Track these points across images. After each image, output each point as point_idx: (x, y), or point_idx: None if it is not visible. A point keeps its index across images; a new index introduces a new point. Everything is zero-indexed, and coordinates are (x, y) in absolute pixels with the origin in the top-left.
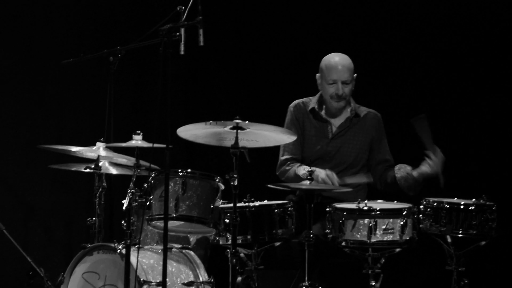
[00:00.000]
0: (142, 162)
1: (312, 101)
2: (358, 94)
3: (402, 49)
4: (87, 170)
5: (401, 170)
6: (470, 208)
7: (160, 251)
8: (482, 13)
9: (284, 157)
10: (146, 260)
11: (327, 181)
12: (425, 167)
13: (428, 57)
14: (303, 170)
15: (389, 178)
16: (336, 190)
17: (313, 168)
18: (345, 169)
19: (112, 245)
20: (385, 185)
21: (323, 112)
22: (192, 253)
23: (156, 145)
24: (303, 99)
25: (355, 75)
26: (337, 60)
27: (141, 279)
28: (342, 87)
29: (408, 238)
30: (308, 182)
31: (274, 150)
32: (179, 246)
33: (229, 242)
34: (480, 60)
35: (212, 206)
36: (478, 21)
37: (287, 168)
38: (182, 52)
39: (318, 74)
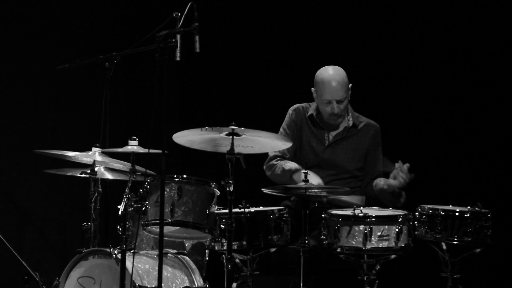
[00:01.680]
0: (137, 168)
1: (311, 107)
2: (356, 103)
3: (401, 58)
4: (83, 175)
5: (377, 185)
6: (465, 215)
7: (155, 256)
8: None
9: (274, 153)
10: (141, 265)
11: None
12: (392, 181)
13: (425, 64)
14: (290, 165)
15: (371, 193)
16: (330, 196)
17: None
18: (339, 178)
19: (108, 250)
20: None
21: (321, 122)
22: (187, 258)
23: (152, 150)
24: (303, 104)
25: (350, 85)
26: (330, 77)
27: (137, 284)
28: (337, 106)
29: (403, 245)
30: (303, 183)
31: None
32: (175, 251)
33: (225, 247)
34: (479, 67)
35: (207, 212)
36: (469, 29)
37: (275, 163)
38: (178, 58)
39: (313, 88)
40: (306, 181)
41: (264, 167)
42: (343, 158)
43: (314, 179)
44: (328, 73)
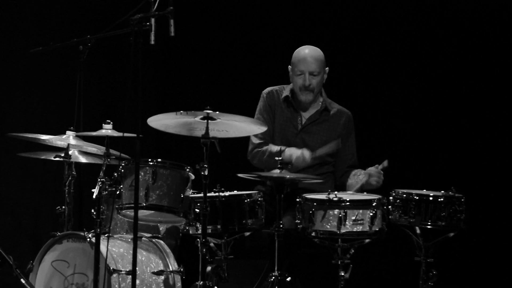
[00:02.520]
0: (112, 151)
1: (286, 90)
2: (332, 91)
3: (380, 47)
4: (57, 159)
5: (354, 177)
6: (439, 199)
7: (130, 240)
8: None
9: (258, 141)
10: (115, 249)
11: (300, 161)
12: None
13: (404, 55)
14: (277, 147)
15: (344, 181)
16: (306, 180)
17: (284, 148)
18: (312, 164)
19: (82, 233)
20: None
21: (294, 103)
22: (162, 242)
23: (126, 134)
24: (276, 87)
25: (326, 68)
26: (306, 52)
27: (111, 268)
28: (309, 78)
29: (377, 229)
30: (278, 170)
31: (244, 141)
32: (149, 235)
33: (199, 231)
34: (451, 57)
35: (182, 196)
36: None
37: (261, 149)
38: (152, 42)
39: (289, 66)
40: (281, 168)
41: (249, 156)
42: (316, 142)
43: (306, 153)
44: (305, 48)
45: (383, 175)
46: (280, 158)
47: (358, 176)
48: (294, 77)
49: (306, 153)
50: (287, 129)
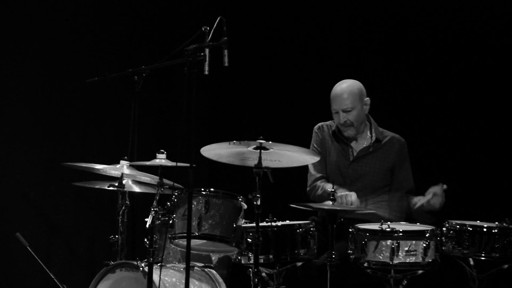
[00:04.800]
0: (165, 181)
1: (335, 124)
2: (379, 118)
3: (434, 72)
4: (111, 188)
5: (417, 204)
6: (493, 231)
7: (182, 269)
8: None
9: (319, 174)
10: (168, 278)
11: (347, 201)
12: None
13: (451, 77)
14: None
15: (407, 209)
16: (357, 211)
17: (336, 188)
18: (366, 193)
19: (135, 262)
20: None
21: (342, 137)
22: (214, 271)
23: (179, 164)
24: (327, 122)
25: (366, 99)
26: (338, 89)
27: None
28: (343, 116)
29: (430, 260)
30: (330, 202)
31: (297, 171)
32: (201, 264)
33: (251, 261)
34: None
35: (234, 225)
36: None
37: (319, 184)
38: (206, 72)
39: None
40: (334, 200)
41: (308, 189)
42: (368, 172)
43: (353, 196)
44: (340, 85)
45: (444, 196)
46: (333, 198)
47: (419, 201)
48: (333, 114)
49: (353, 198)
50: (339, 161)
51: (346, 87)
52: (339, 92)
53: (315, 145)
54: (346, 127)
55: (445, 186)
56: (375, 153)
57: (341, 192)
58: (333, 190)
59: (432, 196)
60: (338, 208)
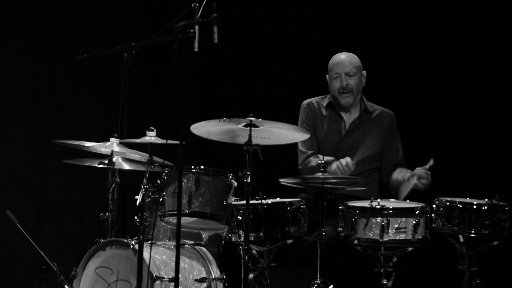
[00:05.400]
0: (155, 158)
1: (327, 98)
2: (372, 94)
3: (416, 49)
4: (101, 166)
5: (401, 173)
6: (483, 208)
7: (172, 247)
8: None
9: (310, 151)
10: (158, 256)
11: (340, 169)
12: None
13: (443, 54)
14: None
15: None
16: (349, 181)
17: (326, 159)
18: (357, 168)
19: (125, 240)
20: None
21: (337, 107)
22: (204, 249)
23: (169, 141)
24: (315, 98)
25: (364, 72)
26: (343, 55)
27: (154, 275)
28: (346, 79)
29: (420, 237)
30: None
31: (287, 148)
32: (192, 242)
33: (242, 239)
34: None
35: (225, 203)
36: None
37: (311, 159)
38: (196, 49)
39: (327, 75)
40: (324, 171)
41: (300, 166)
42: (361, 144)
43: (347, 158)
44: (340, 55)
45: (430, 175)
46: (324, 170)
47: (405, 177)
48: (332, 81)
49: (348, 161)
50: (332, 136)
51: (348, 55)
52: (343, 57)
53: (305, 120)
54: (345, 93)
55: (432, 162)
56: (367, 125)
57: (331, 165)
58: (323, 161)
59: (417, 179)
60: (330, 177)
